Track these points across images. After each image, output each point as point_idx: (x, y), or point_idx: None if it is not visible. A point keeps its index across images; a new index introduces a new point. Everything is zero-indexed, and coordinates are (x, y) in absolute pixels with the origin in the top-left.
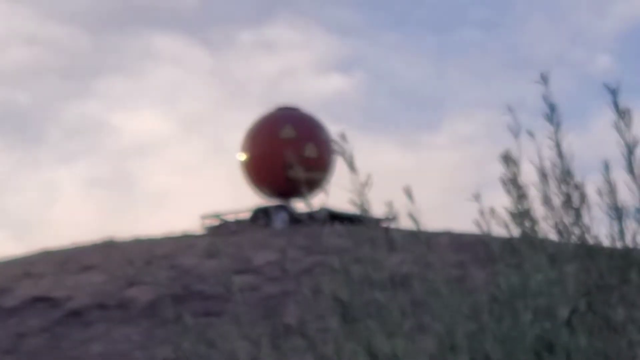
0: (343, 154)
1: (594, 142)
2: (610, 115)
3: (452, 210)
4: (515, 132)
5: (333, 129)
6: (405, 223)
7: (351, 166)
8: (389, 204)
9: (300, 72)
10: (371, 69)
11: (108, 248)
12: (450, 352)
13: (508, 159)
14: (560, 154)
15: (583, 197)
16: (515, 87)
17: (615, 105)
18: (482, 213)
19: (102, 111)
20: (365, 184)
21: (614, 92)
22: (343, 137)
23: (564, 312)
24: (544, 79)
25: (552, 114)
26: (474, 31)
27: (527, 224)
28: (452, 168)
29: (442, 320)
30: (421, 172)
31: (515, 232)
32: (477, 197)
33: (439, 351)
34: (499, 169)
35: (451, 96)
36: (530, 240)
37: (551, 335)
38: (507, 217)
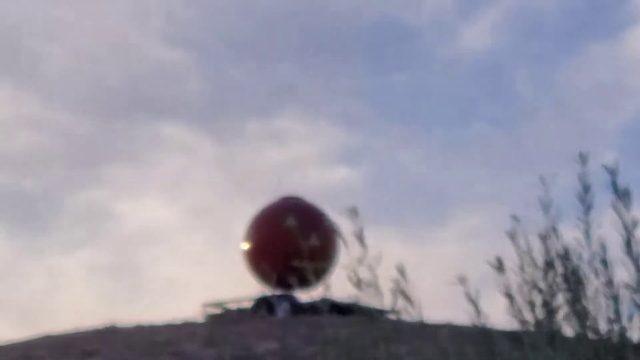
0: (354, 228)
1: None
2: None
3: (455, 303)
4: (513, 234)
5: (338, 220)
6: (407, 315)
7: (361, 240)
8: (394, 293)
9: (306, 163)
10: (378, 161)
11: (109, 334)
12: None
13: (499, 266)
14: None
15: (580, 283)
16: (521, 182)
17: (614, 185)
18: (470, 300)
19: (108, 199)
20: (372, 261)
21: (612, 173)
22: (354, 211)
23: None
24: (583, 159)
25: (584, 196)
26: (483, 126)
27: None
28: (457, 261)
29: None
30: (426, 265)
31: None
32: (462, 281)
33: None
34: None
35: (458, 190)
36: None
37: None
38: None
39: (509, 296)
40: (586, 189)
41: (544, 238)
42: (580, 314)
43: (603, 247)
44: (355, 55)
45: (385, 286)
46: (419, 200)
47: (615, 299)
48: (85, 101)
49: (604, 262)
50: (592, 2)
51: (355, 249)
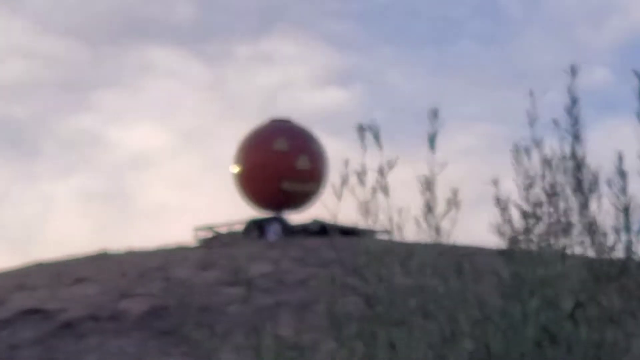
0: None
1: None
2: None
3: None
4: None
5: (330, 142)
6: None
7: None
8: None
9: (297, 85)
10: (369, 82)
11: (102, 260)
12: (452, 339)
13: (495, 182)
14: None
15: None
16: (512, 99)
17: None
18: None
19: (98, 125)
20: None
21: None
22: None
23: (568, 305)
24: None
25: (572, 107)
26: (472, 44)
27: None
28: (450, 181)
29: (446, 307)
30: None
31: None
32: (495, 182)
33: (441, 338)
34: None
35: (449, 109)
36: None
37: (554, 326)
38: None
39: (503, 209)
40: (574, 101)
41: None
42: (590, 227)
43: (620, 157)
44: None
45: (376, 207)
46: (410, 120)
47: (627, 210)
48: (74, 27)
49: (621, 173)
50: None
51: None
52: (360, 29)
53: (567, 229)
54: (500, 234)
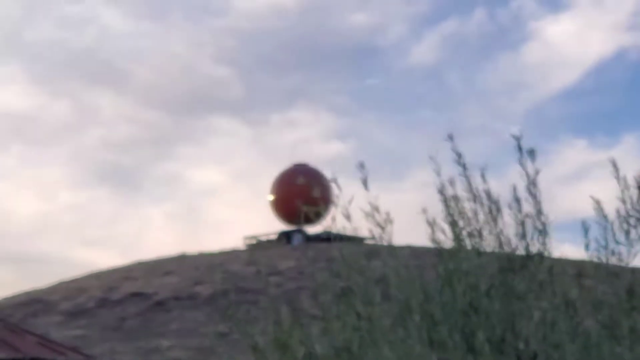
0: (338, 194)
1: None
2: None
3: (416, 231)
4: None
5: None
6: (383, 240)
7: (365, 184)
8: (371, 223)
9: (312, 140)
10: (360, 138)
11: (181, 259)
12: (408, 313)
13: (445, 197)
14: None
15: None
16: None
17: (519, 147)
18: (430, 224)
19: (179, 168)
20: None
21: (518, 139)
22: (362, 166)
23: (484, 286)
24: (450, 137)
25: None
26: (429, 112)
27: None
28: (416, 205)
29: (403, 292)
30: (395, 208)
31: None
32: (424, 211)
33: (399, 313)
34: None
35: (414, 155)
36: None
37: (476, 302)
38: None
39: (432, 223)
40: (459, 155)
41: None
42: (498, 234)
43: (514, 188)
44: (342, 67)
45: (365, 219)
46: (388, 163)
47: (522, 223)
48: (163, 102)
49: (517, 199)
50: (500, 26)
51: (344, 195)
52: (353, 101)
53: (481, 235)
54: (434, 241)
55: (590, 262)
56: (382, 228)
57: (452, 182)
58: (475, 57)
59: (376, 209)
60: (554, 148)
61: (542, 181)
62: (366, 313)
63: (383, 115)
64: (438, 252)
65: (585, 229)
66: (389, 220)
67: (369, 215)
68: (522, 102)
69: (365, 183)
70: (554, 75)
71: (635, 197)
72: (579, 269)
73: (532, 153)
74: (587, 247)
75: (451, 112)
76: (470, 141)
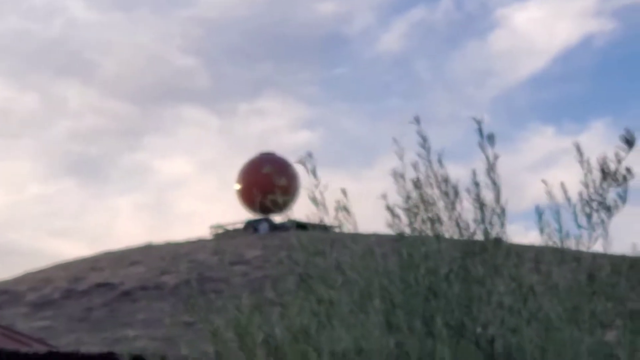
0: (307, 167)
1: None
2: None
3: (383, 219)
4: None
5: (300, 167)
6: (346, 227)
7: (314, 174)
8: (337, 210)
9: (279, 130)
10: (329, 127)
11: (148, 249)
12: (367, 298)
13: (397, 176)
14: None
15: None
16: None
17: (480, 131)
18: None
19: (147, 159)
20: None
21: (479, 122)
22: (309, 155)
23: (444, 271)
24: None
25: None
26: (397, 100)
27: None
28: (382, 191)
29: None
30: (363, 196)
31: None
32: (383, 197)
33: (360, 298)
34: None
35: (382, 143)
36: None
37: (436, 286)
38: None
39: (391, 209)
40: (424, 139)
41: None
42: (457, 219)
43: (473, 172)
44: (311, 56)
45: (332, 207)
46: (356, 150)
47: (481, 207)
48: (129, 93)
49: (476, 184)
50: (467, 14)
51: (310, 182)
52: (322, 91)
53: (439, 221)
54: (393, 227)
55: (550, 248)
56: (346, 211)
57: (415, 166)
58: (443, 45)
59: (344, 194)
60: (522, 135)
61: (510, 169)
62: (326, 296)
63: (352, 104)
64: (397, 237)
65: (538, 213)
66: (343, 207)
67: (319, 204)
68: (490, 90)
69: (314, 172)
70: (522, 62)
71: (597, 181)
72: (537, 253)
73: (491, 138)
74: (542, 231)
75: (419, 100)
76: (439, 129)
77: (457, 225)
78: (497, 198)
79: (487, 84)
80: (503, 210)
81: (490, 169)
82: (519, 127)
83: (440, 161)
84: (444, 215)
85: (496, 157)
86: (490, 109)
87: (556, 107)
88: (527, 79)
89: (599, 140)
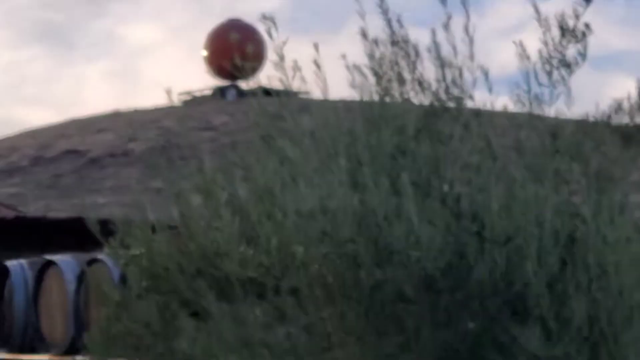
0: (271, 36)
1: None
2: None
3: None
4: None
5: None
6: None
7: (269, 35)
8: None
9: None
10: None
11: (115, 116)
12: (333, 157)
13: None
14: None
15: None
16: None
17: None
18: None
19: (113, 25)
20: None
21: None
22: (272, 19)
23: (411, 131)
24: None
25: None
26: None
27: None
28: (352, 57)
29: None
30: (329, 60)
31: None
32: (343, 57)
33: (326, 157)
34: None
35: (351, 7)
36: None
37: (404, 144)
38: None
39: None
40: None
41: None
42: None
43: (434, 32)
44: None
45: (298, 73)
46: (322, 15)
47: (441, 66)
48: None
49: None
50: None
51: (276, 46)
52: None
53: (403, 81)
54: (355, 87)
55: (520, 113)
56: (315, 74)
57: (378, 27)
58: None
59: (316, 49)
60: (492, 2)
61: (481, 35)
62: (290, 155)
63: None
64: (360, 98)
65: (487, 73)
66: (296, 68)
67: (278, 66)
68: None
69: (269, 33)
70: None
71: (557, 38)
72: (508, 118)
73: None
74: (490, 90)
75: None
76: None
77: (420, 84)
78: (455, 54)
79: None
80: (461, 69)
81: (446, 25)
82: None
83: (399, 21)
84: (407, 75)
85: (449, 15)
86: None
87: None
88: None
89: (569, 3)
